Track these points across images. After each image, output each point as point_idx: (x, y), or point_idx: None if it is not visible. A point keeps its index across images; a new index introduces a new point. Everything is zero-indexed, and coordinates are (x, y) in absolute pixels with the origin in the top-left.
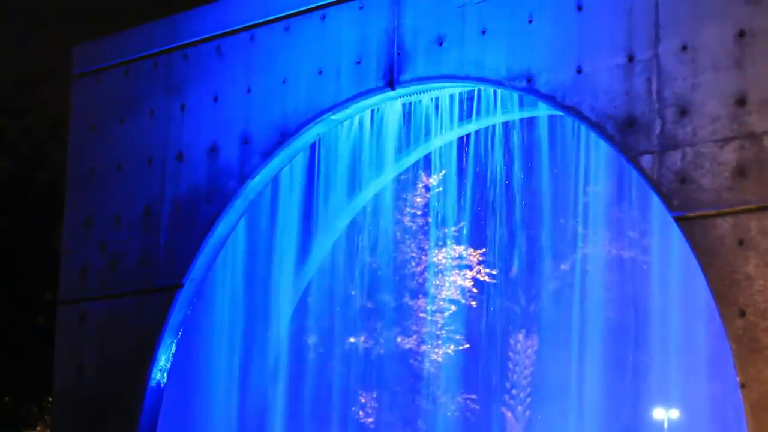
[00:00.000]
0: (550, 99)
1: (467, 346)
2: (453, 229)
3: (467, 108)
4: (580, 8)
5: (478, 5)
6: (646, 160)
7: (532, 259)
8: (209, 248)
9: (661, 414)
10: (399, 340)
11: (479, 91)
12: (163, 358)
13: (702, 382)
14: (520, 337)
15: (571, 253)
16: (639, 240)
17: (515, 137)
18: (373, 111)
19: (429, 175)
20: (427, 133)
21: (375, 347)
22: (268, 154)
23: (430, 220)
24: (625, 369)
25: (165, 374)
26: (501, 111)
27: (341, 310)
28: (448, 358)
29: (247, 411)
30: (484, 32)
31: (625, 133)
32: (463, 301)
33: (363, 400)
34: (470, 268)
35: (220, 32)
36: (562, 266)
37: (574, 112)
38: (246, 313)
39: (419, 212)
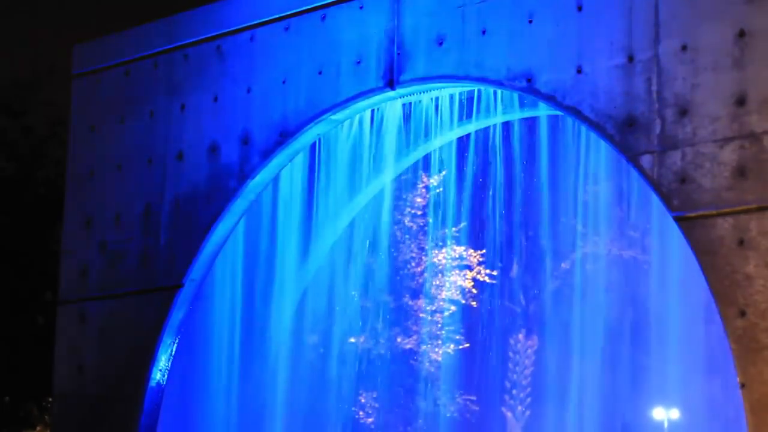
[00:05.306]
0: (550, 99)
1: (467, 345)
2: (453, 229)
3: (467, 108)
4: (580, 8)
5: (478, 5)
6: (646, 160)
7: (532, 259)
8: (209, 248)
9: (661, 414)
10: (399, 340)
11: (479, 91)
12: (163, 358)
13: (702, 382)
14: (520, 337)
15: (571, 253)
16: (639, 240)
17: (515, 137)
18: (373, 111)
19: (429, 175)
20: (427, 133)
21: (375, 347)
22: (268, 154)
23: (430, 220)
24: (625, 369)
25: (165, 374)
26: (501, 111)
27: (341, 310)
28: (448, 358)
29: (247, 411)
30: (484, 32)
31: (625, 133)
32: (463, 302)
33: (363, 400)
34: (470, 268)
35: (220, 32)
36: (562, 266)
37: (574, 112)
38: (246, 313)
39: (419, 212)
